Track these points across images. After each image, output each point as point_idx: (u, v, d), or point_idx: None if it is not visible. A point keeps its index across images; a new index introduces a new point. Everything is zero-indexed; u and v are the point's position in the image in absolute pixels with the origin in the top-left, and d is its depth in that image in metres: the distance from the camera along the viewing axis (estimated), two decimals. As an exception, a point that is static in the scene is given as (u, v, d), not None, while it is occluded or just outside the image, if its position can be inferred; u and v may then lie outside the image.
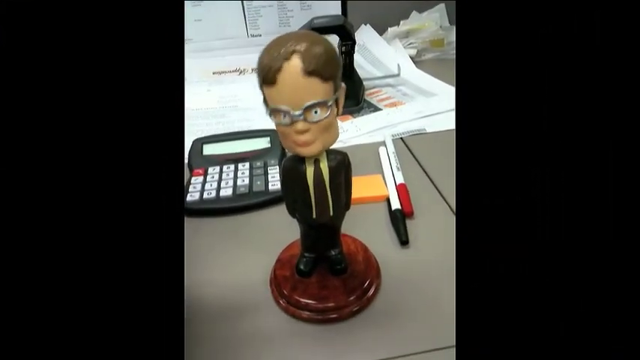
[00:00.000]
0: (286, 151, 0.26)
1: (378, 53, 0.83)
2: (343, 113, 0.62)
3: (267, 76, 0.22)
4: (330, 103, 0.23)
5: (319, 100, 0.23)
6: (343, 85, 0.25)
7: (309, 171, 0.26)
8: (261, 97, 0.24)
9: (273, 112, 0.24)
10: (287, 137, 0.24)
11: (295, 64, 0.22)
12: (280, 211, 0.40)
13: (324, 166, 0.26)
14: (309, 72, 0.22)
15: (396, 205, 0.40)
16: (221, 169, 0.47)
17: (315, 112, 0.23)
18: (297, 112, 0.23)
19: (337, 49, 0.26)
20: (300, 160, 0.26)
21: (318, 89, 0.23)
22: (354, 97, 0.64)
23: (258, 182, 0.44)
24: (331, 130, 0.25)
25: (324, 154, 0.26)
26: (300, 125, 0.23)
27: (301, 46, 0.22)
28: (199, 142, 0.52)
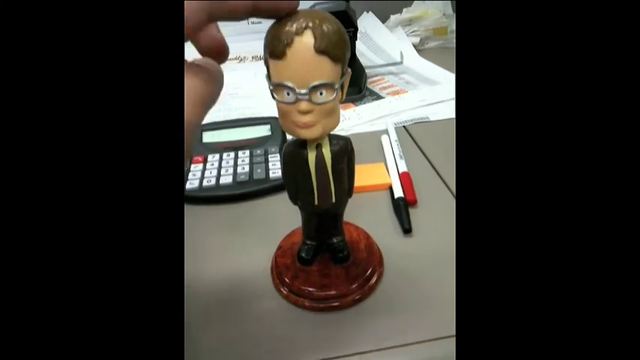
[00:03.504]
0: (287, 137, 0.26)
1: (381, 41, 0.82)
2: (345, 101, 0.62)
3: (276, 49, 0.21)
4: (336, 86, 0.23)
5: (327, 81, 0.22)
6: (349, 70, 0.24)
7: (311, 156, 0.25)
8: (265, 71, 0.23)
9: (276, 88, 0.23)
10: (287, 117, 0.24)
11: (307, 40, 0.21)
12: (281, 199, 0.40)
13: (327, 151, 0.26)
14: (321, 50, 0.21)
15: (398, 193, 0.40)
16: (221, 157, 0.46)
17: (321, 94, 0.22)
18: (303, 91, 0.22)
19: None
20: (302, 144, 0.26)
21: (326, 69, 0.22)
22: (356, 85, 0.63)
23: (259, 170, 0.44)
24: (333, 115, 0.24)
25: (327, 138, 0.26)
26: (304, 105, 0.22)
27: (315, 24, 0.21)
28: (199, 130, 0.51)
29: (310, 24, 0.21)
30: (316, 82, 0.22)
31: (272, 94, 0.23)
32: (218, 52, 0.21)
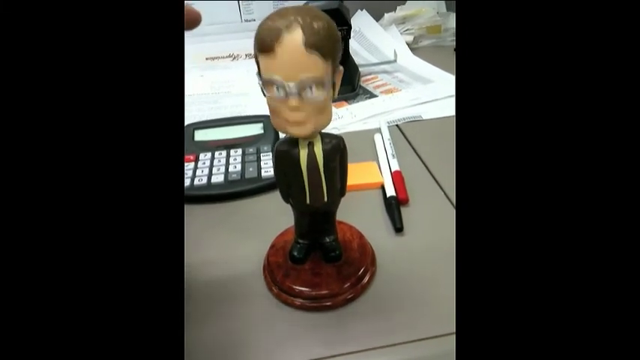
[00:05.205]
0: (280, 136, 0.26)
1: (374, 39, 0.81)
2: (338, 99, 0.62)
3: (265, 44, 0.21)
4: (326, 83, 0.22)
5: (315, 75, 0.22)
6: (341, 68, 0.24)
7: (303, 154, 0.25)
8: (256, 68, 0.23)
9: (266, 83, 0.23)
10: (278, 114, 0.23)
11: (297, 35, 0.21)
12: (273, 198, 0.40)
13: (319, 149, 0.25)
14: (310, 45, 0.21)
15: (391, 192, 0.40)
16: (212, 155, 0.46)
17: (311, 90, 0.22)
18: (292, 85, 0.22)
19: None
20: (294, 142, 0.25)
21: (316, 65, 0.22)
22: (350, 83, 0.63)
23: (251, 169, 0.43)
24: (325, 112, 0.24)
25: (319, 137, 0.26)
26: (294, 101, 0.22)
27: (304, 19, 0.21)
28: (190, 128, 0.51)
29: (299, 20, 0.21)
30: (305, 76, 0.22)
31: (262, 90, 0.23)
32: None
